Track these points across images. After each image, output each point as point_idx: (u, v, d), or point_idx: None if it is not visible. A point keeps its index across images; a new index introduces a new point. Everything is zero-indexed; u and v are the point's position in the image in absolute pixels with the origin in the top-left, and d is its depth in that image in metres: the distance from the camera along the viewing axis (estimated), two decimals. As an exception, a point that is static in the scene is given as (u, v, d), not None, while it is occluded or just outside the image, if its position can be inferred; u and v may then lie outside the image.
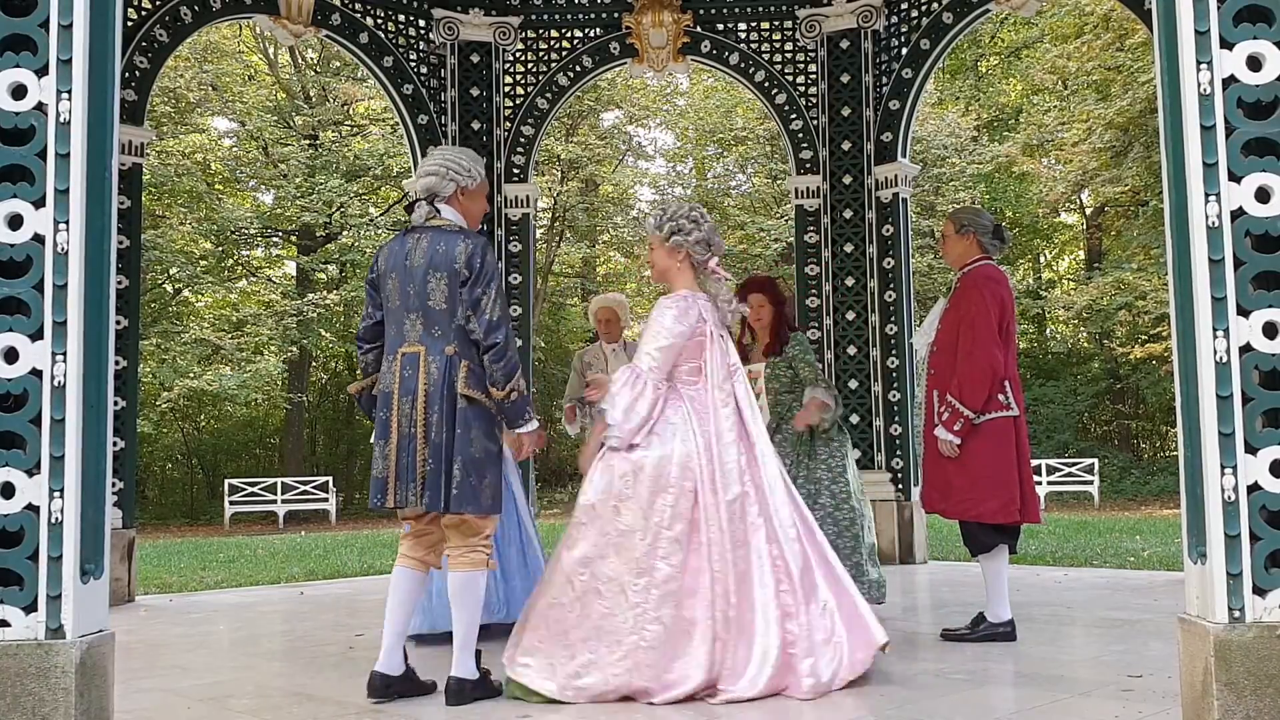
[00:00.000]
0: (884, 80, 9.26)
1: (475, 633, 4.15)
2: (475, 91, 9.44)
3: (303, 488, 23.79)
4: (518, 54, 9.59)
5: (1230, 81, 3.11)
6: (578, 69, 9.63)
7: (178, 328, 25.21)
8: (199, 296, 27.92)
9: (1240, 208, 3.08)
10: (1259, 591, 3.01)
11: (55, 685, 3.01)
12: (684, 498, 4.17)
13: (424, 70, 9.29)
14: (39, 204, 3.13)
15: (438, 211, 4.28)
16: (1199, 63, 3.12)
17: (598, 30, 9.60)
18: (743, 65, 9.56)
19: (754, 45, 9.55)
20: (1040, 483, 21.81)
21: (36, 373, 3.10)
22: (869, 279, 9.16)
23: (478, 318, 4.05)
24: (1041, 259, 31.09)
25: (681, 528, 4.14)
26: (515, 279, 9.42)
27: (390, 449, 4.07)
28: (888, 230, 9.13)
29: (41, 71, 3.15)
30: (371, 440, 4.24)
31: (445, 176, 4.31)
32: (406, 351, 4.11)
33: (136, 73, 7.96)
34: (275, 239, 29.12)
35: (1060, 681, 4.22)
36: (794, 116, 9.47)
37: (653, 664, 4.00)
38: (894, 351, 9.01)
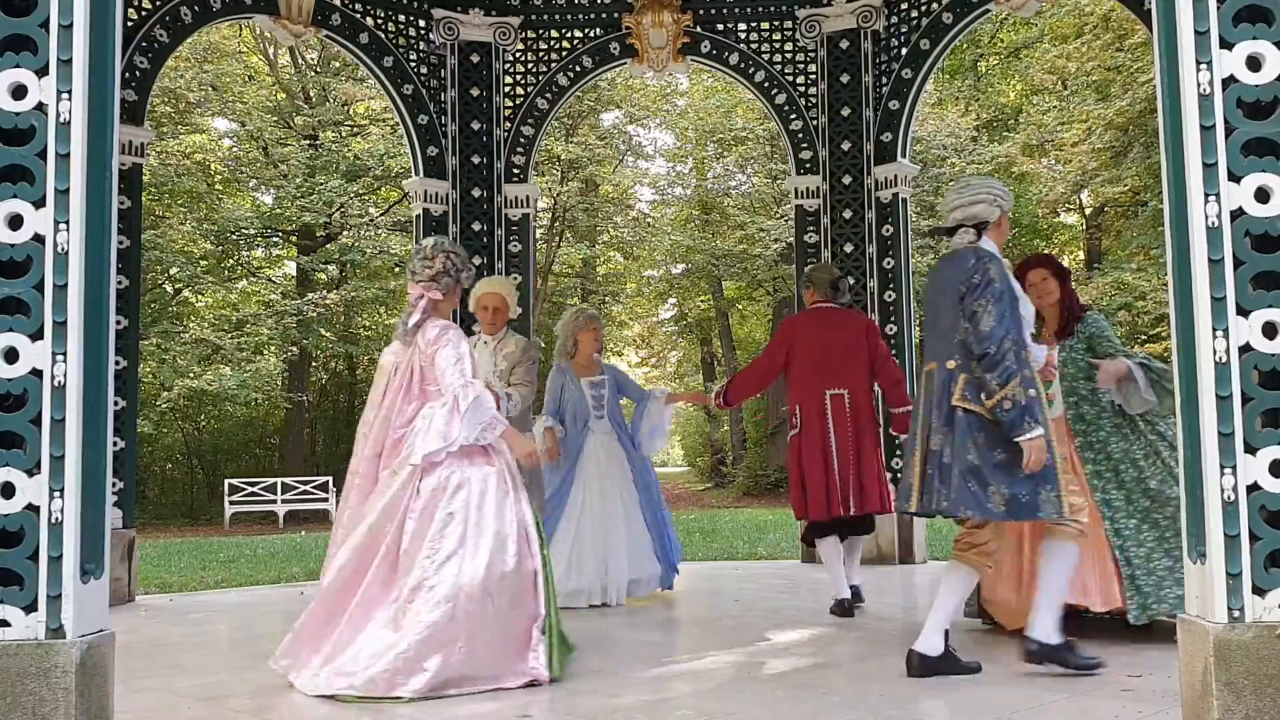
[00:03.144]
0: (884, 80, 9.26)
1: (1056, 600, 4.36)
2: (475, 91, 9.44)
3: (303, 488, 23.80)
4: (518, 54, 9.59)
5: (1230, 81, 3.11)
6: (578, 69, 9.63)
7: (178, 328, 25.21)
8: (199, 296, 27.94)
9: (1240, 208, 3.09)
10: (1258, 591, 3.01)
11: (55, 685, 3.01)
12: None
13: (424, 70, 9.29)
14: (39, 204, 3.13)
15: (978, 236, 4.45)
16: (1199, 63, 3.12)
17: (598, 30, 9.60)
18: (743, 65, 9.55)
19: (754, 45, 9.54)
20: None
21: (36, 373, 3.10)
22: (869, 279, 9.16)
23: (973, 330, 4.22)
24: (1041, 259, 31.04)
25: None
26: (515, 279, 9.41)
27: (914, 458, 4.44)
28: (888, 230, 9.13)
29: (41, 71, 3.15)
30: None
31: (992, 203, 4.48)
32: (926, 369, 4.49)
33: (136, 73, 7.96)
34: (275, 239, 29.11)
35: (1060, 681, 4.22)
36: (794, 116, 9.47)
37: None
38: (894, 351, 8.99)
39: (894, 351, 9.03)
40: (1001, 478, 4.17)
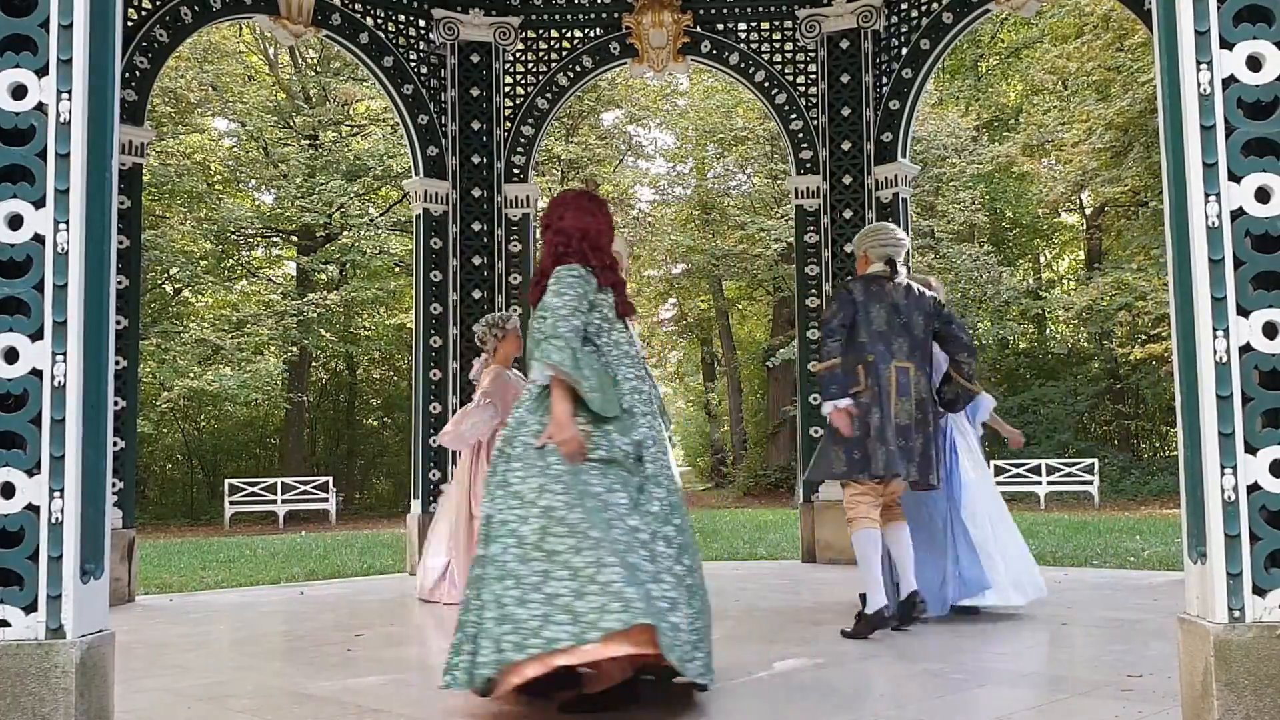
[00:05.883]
0: (884, 80, 9.26)
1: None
2: (475, 91, 9.44)
3: (303, 488, 23.78)
4: (518, 54, 9.59)
5: (1230, 81, 3.11)
6: (578, 69, 9.64)
7: (178, 328, 25.20)
8: (199, 296, 27.93)
9: (1240, 208, 3.08)
10: (1259, 591, 3.00)
11: (55, 685, 3.01)
12: None
13: (424, 70, 9.30)
14: (39, 204, 3.13)
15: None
16: (1199, 63, 3.11)
17: (598, 30, 9.61)
18: (743, 65, 9.56)
19: (754, 45, 9.55)
20: (1040, 482, 21.87)
21: (36, 373, 3.10)
22: (869, 279, 9.16)
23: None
24: (1041, 259, 31.11)
25: None
26: (515, 279, 9.42)
27: (890, 434, 5.27)
28: (888, 230, 9.12)
29: (41, 71, 3.15)
30: (855, 429, 5.28)
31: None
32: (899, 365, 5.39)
33: (136, 73, 7.96)
34: (275, 239, 29.12)
35: (1060, 681, 4.22)
36: (794, 116, 9.47)
37: None
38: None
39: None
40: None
